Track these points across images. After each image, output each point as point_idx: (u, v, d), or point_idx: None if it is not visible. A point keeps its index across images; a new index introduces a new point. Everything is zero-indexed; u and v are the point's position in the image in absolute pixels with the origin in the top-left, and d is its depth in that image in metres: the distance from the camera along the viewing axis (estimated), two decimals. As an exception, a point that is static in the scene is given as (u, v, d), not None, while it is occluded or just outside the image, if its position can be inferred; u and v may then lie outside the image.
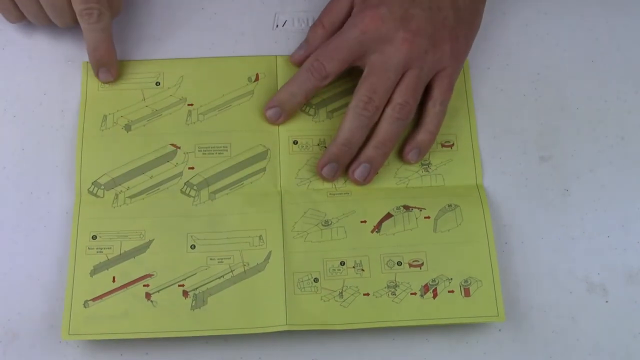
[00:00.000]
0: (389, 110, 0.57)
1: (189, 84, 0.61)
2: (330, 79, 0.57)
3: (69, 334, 0.54)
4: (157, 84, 0.60)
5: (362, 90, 0.56)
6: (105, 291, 0.55)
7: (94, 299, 0.55)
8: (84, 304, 0.55)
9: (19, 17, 0.58)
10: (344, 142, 0.57)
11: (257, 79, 0.61)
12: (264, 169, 0.58)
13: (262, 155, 0.59)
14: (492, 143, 0.60)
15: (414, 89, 0.57)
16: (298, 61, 0.61)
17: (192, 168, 0.58)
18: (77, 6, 0.55)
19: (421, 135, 0.59)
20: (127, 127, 0.59)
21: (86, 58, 0.61)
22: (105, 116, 0.59)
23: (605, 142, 0.61)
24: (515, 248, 0.58)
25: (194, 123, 0.59)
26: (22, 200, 0.58)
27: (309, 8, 0.64)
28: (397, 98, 0.57)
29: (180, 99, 0.60)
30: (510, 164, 0.60)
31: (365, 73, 0.57)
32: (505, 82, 0.62)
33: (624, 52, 0.64)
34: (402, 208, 0.58)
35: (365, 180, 0.58)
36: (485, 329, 0.56)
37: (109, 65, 0.59)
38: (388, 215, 0.58)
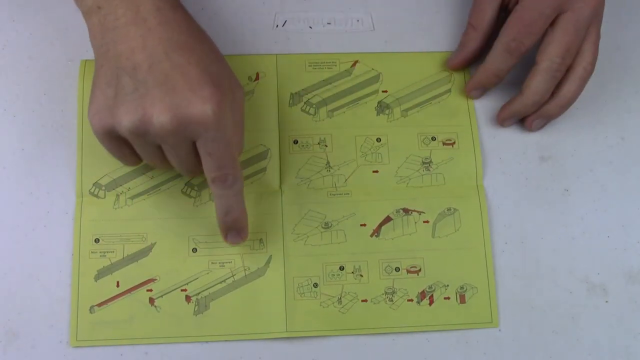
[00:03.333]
0: (580, 70, 0.59)
1: None
2: (527, 53, 0.58)
3: (77, 341, 0.56)
4: None
5: (556, 49, 0.57)
6: (110, 296, 0.57)
7: (99, 304, 0.57)
8: (90, 310, 0.56)
9: (136, 162, 0.55)
10: (533, 103, 0.59)
11: (257, 78, 0.61)
12: (264, 169, 0.59)
13: (262, 155, 0.59)
14: (492, 143, 0.61)
15: (597, 45, 0.58)
16: (456, 66, 0.63)
17: None
18: (211, 174, 0.52)
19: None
20: None
21: (85, 56, 0.61)
22: None
23: (605, 142, 0.61)
24: (515, 248, 0.58)
25: None
26: (22, 200, 0.58)
27: (309, 8, 0.64)
28: (587, 57, 0.58)
29: None
30: (510, 164, 0.60)
31: (555, 31, 0.57)
32: (505, 82, 0.62)
33: (624, 52, 0.64)
34: (401, 211, 0.59)
35: (537, 129, 0.62)
36: (485, 329, 0.56)
37: (240, 229, 0.56)
38: (387, 219, 0.59)
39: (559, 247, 0.60)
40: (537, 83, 0.58)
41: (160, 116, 0.49)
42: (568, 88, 0.59)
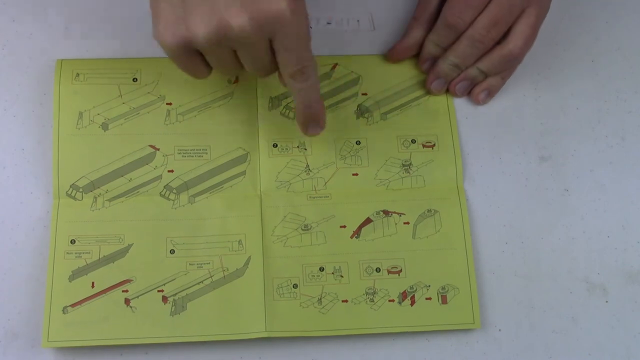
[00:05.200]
0: (505, 49, 0.60)
1: (168, 82, 0.62)
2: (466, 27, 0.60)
3: (48, 341, 0.56)
4: (135, 80, 0.61)
5: (483, 20, 0.59)
6: (85, 297, 0.57)
7: (73, 305, 0.57)
8: (63, 310, 0.56)
9: (207, 72, 0.54)
10: (451, 64, 0.61)
11: (236, 81, 0.62)
12: (243, 172, 0.59)
13: (242, 159, 0.60)
14: (492, 143, 0.61)
15: (534, 30, 0.60)
16: (395, 55, 0.64)
17: (172, 171, 0.60)
18: (290, 69, 0.52)
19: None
20: (105, 126, 0.60)
21: (85, 56, 0.61)
22: (81, 113, 0.60)
23: (605, 142, 0.62)
24: (515, 248, 0.58)
25: (173, 123, 0.61)
26: (22, 200, 0.58)
27: (309, 8, 0.63)
28: (518, 39, 0.60)
29: (159, 97, 0.62)
30: (510, 164, 0.60)
31: (490, 4, 0.59)
32: (505, 82, 0.62)
33: (624, 52, 0.64)
34: (381, 213, 0.60)
35: (462, 95, 0.63)
36: (485, 329, 0.56)
37: (320, 119, 0.58)
38: (367, 221, 0.60)
39: (559, 247, 0.60)
40: (458, 46, 0.61)
41: (237, 19, 0.48)
42: (486, 63, 0.61)
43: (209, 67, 0.54)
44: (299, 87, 0.54)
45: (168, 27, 0.50)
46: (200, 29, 0.49)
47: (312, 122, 0.57)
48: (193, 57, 0.52)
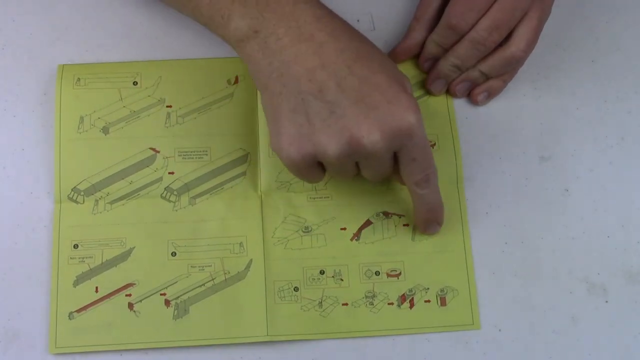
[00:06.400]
0: (507, 51, 0.60)
1: (168, 84, 0.62)
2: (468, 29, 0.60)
3: (56, 347, 0.56)
4: (135, 83, 0.61)
5: (485, 22, 0.59)
6: (89, 302, 0.58)
7: (78, 311, 0.57)
8: (69, 316, 0.57)
9: (323, 177, 0.55)
10: (452, 65, 0.61)
11: (236, 81, 0.62)
12: (244, 173, 0.59)
13: (242, 159, 0.61)
14: (492, 143, 0.61)
15: (536, 33, 0.60)
16: (398, 55, 0.64)
17: (172, 173, 0.60)
18: (415, 177, 0.53)
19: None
20: (105, 130, 0.60)
21: (85, 56, 0.61)
22: (82, 117, 0.61)
23: (605, 142, 0.62)
24: (515, 248, 0.58)
25: (173, 126, 0.61)
26: (22, 200, 0.58)
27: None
28: (520, 41, 0.60)
29: (159, 100, 0.62)
30: (510, 164, 0.60)
31: (492, 6, 0.59)
32: (507, 85, 0.62)
33: (624, 52, 0.64)
34: (381, 215, 0.59)
35: (462, 95, 0.63)
36: (485, 329, 0.56)
37: (440, 219, 0.59)
38: (367, 223, 0.60)
39: (559, 247, 0.60)
40: (459, 47, 0.61)
41: (370, 136, 0.49)
42: (487, 65, 0.61)
43: (324, 172, 0.54)
44: (422, 193, 0.55)
45: (293, 142, 0.50)
46: (331, 145, 0.50)
47: (433, 223, 0.58)
48: (313, 167, 0.52)
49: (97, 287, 0.57)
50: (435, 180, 0.55)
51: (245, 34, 0.51)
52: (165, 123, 0.61)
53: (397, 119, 0.49)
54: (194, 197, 0.60)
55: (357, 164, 0.53)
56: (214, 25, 0.53)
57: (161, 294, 0.57)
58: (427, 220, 0.58)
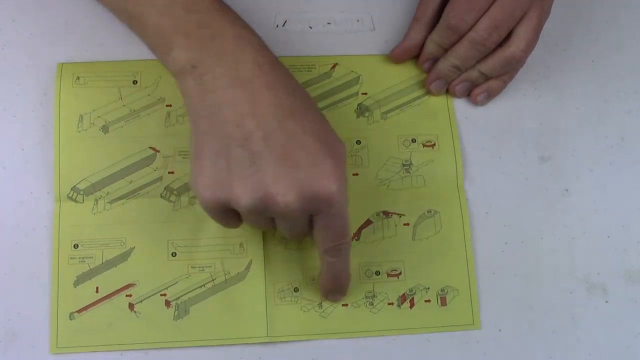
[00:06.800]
0: (507, 52, 0.60)
1: (168, 84, 0.62)
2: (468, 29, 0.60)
3: (57, 347, 0.56)
4: (135, 82, 0.61)
5: (485, 23, 0.59)
6: (90, 302, 0.57)
7: (78, 311, 0.57)
8: (69, 316, 0.57)
9: (239, 225, 0.53)
10: (451, 65, 0.61)
11: None
12: None
13: None
14: (492, 143, 0.61)
15: (535, 34, 0.60)
16: (397, 55, 0.64)
17: (172, 172, 0.60)
18: (326, 245, 0.52)
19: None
20: (105, 129, 0.60)
21: (85, 56, 0.61)
22: (81, 116, 0.61)
23: (605, 142, 0.62)
24: (515, 248, 0.58)
25: (173, 125, 0.61)
26: (22, 200, 0.58)
27: (309, 8, 0.65)
28: (520, 42, 0.60)
29: (159, 99, 0.62)
30: (510, 164, 0.60)
31: (492, 6, 0.59)
32: (507, 85, 0.62)
33: (624, 52, 0.64)
34: (381, 214, 0.60)
35: (462, 95, 0.63)
36: (485, 329, 0.56)
37: (344, 289, 0.57)
38: (368, 222, 0.60)
39: (559, 247, 0.60)
40: (458, 47, 0.61)
41: (285, 195, 0.48)
42: (487, 66, 0.61)
43: (241, 221, 0.52)
44: (330, 261, 0.53)
45: (209, 185, 0.49)
46: (245, 197, 0.48)
47: (335, 292, 0.57)
48: (227, 213, 0.51)
49: (97, 288, 0.57)
50: (346, 251, 0.53)
51: (183, 66, 0.49)
52: (165, 122, 0.61)
53: (317, 184, 0.48)
54: (194, 197, 0.59)
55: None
56: (157, 52, 0.52)
57: (161, 295, 0.57)
58: (330, 288, 0.56)
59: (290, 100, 0.50)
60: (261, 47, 0.52)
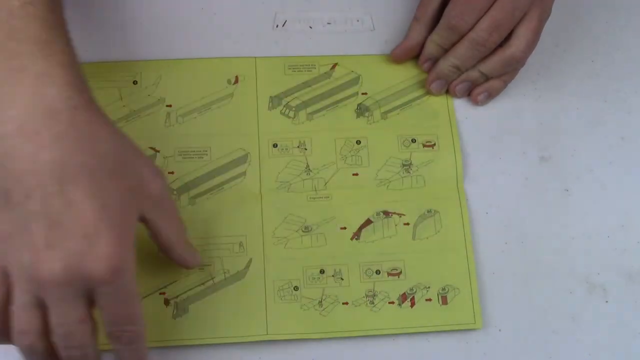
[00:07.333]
0: (507, 52, 0.60)
1: (168, 84, 0.62)
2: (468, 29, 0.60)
3: None
4: (135, 82, 0.61)
5: (485, 23, 0.59)
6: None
7: None
8: None
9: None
10: (452, 65, 0.62)
11: (236, 81, 0.62)
12: (244, 173, 0.60)
13: (242, 159, 0.61)
14: (492, 143, 0.61)
15: (536, 34, 0.60)
16: (398, 56, 0.64)
17: (172, 172, 0.60)
18: (107, 327, 0.47)
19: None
20: None
21: (85, 57, 0.61)
22: None
23: (605, 142, 0.62)
24: (515, 248, 0.58)
25: (173, 125, 0.61)
26: (22, 200, 0.58)
27: (309, 8, 0.65)
28: (520, 42, 0.60)
29: (159, 99, 0.62)
30: (510, 164, 0.60)
31: (492, 6, 0.59)
32: (507, 85, 0.62)
33: (624, 52, 0.64)
34: (382, 214, 0.60)
35: (462, 96, 0.64)
36: (486, 329, 0.56)
37: None
38: (368, 222, 0.60)
39: (559, 247, 0.60)
40: (458, 48, 0.61)
41: (51, 265, 0.43)
42: (487, 66, 0.62)
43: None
44: (117, 347, 0.48)
45: None
46: (11, 260, 0.44)
47: None
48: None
49: None
50: (134, 342, 0.48)
51: None
52: (165, 122, 0.61)
53: (87, 259, 0.43)
54: (194, 197, 0.59)
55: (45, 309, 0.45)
56: None
57: (160, 293, 0.57)
58: None
59: (81, 161, 0.44)
60: (69, 86, 0.46)
